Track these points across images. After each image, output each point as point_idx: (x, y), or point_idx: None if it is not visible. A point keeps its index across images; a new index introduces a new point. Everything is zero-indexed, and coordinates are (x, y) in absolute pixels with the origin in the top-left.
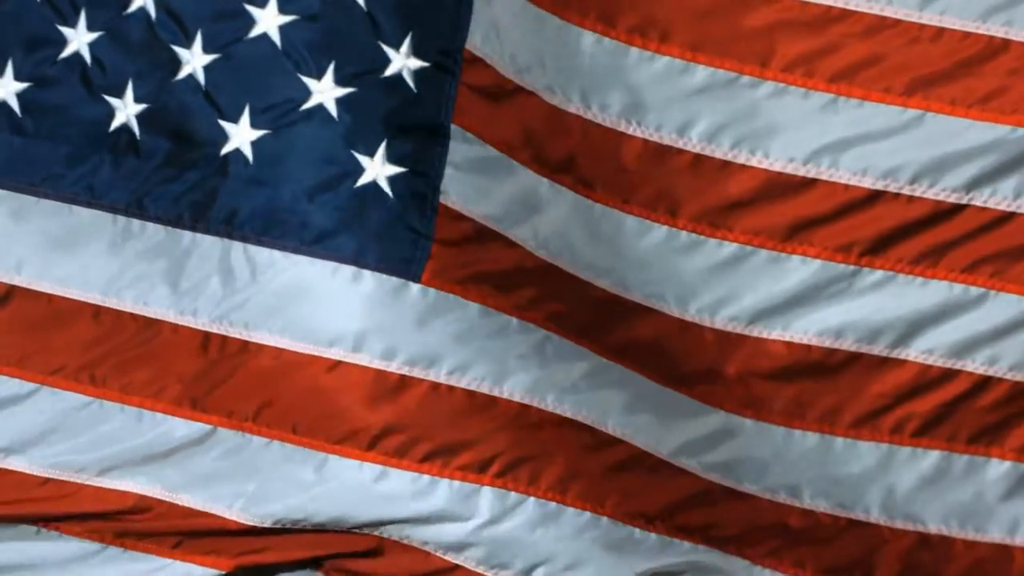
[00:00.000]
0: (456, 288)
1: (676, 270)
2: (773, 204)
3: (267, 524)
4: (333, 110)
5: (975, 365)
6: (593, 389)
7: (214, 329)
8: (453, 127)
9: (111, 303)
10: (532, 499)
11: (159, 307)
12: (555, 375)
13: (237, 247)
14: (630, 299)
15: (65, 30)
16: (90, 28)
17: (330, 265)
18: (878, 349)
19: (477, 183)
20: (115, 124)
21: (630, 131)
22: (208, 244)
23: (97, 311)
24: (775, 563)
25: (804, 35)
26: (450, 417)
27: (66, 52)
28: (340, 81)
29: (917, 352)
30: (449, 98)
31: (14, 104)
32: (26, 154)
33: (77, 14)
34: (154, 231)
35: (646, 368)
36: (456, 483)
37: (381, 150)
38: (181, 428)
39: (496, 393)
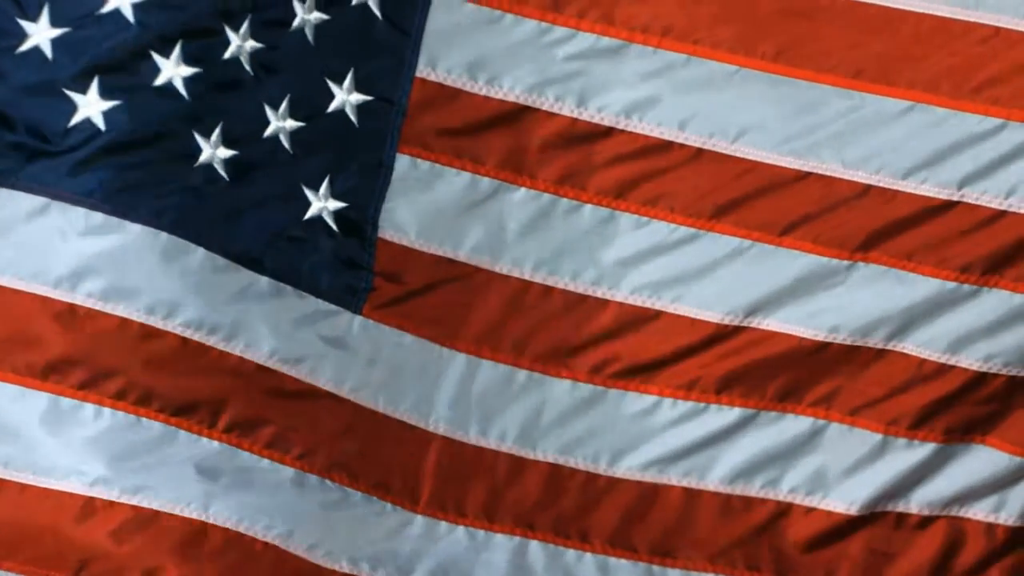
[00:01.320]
0: (393, 320)
1: (673, 265)
2: (769, 198)
3: None
4: (286, 143)
5: (970, 361)
6: (531, 415)
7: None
8: (399, 156)
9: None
10: (461, 528)
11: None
12: (483, 404)
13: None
14: (614, 300)
15: (25, 24)
16: (53, 24)
17: (290, 290)
18: (873, 342)
19: (422, 207)
20: (76, 119)
21: (629, 128)
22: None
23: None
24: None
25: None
26: (383, 445)
27: (25, 46)
28: (293, 114)
29: (913, 346)
30: (394, 129)
31: None
32: None
33: (40, 8)
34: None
35: (617, 376)
36: (397, 508)
37: (325, 185)
38: None
39: (423, 425)
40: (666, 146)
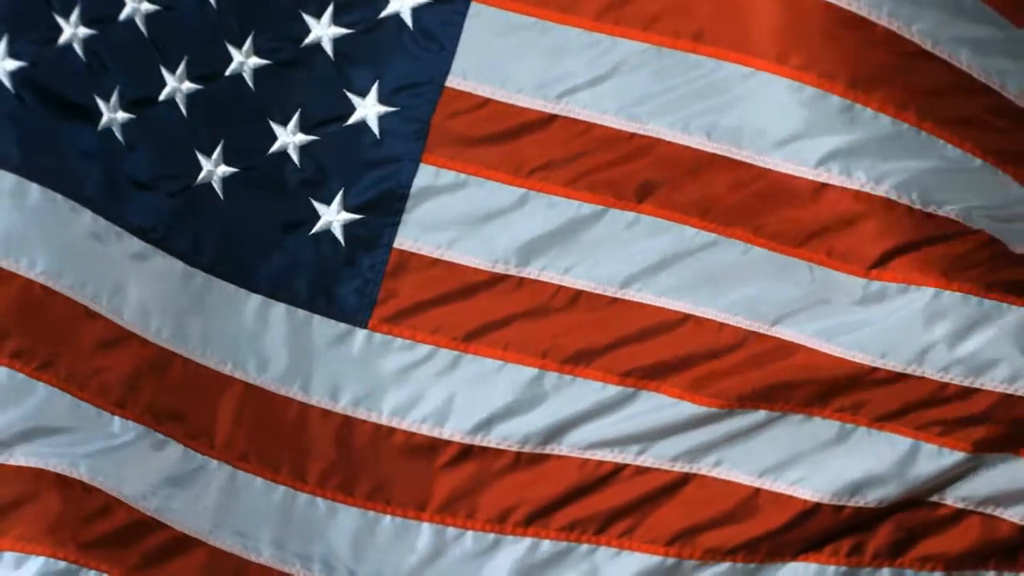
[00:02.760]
0: (405, 331)
1: (697, 271)
2: (784, 210)
3: None
4: (295, 157)
5: (995, 384)
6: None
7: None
8: (422, 167)
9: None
10: (470, 533)
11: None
12: (509, 406)
13: (199, 275)
14: (641, 303)
15: (59, 20)
16: (84, 23)
17: (283, 308)
18: (892, 364)
19: (443, 217)
20: (101, 125)
21: (642, 131)
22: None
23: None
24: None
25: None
26: (387, 458)
27: (61, 40)
28: (304, 129)
29: (933, 370)
30: (419, 139)
31: (7, 82)
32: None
33: (72, 5)
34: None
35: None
36: (398, 519)
37: (338, 198)
38: None
39: (436, 434)
40: (681, 151)
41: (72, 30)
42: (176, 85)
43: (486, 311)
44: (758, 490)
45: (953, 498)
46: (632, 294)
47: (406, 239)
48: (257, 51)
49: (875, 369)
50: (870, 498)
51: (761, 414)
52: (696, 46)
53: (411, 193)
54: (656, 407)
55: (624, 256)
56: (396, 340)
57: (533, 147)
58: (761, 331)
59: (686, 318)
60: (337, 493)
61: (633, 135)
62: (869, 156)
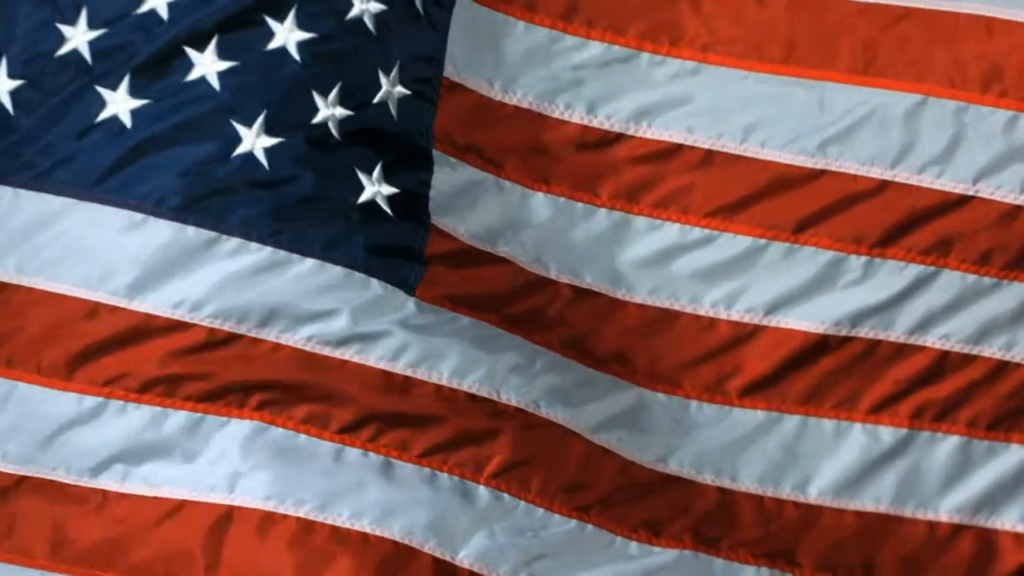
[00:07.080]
0: (448, 304)
1: (688, 267)
2: (783, 197)
3: None
4: (335, 130)
5: (992, 351)
6: (585, 402)
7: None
8: (435, 153)
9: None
10: (522, 503)
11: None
12: (545, 383)
13: (253, 246)
14: (633, 301)
15: (64, 28)
16: (91, 26)
17: (341, 271)
18: (895, 336)
19: (461, 205)
20: (104, 115)
21: (639, 134)
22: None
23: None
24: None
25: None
26: (455, 417)
27: (63, 49)
28: (342, 103)
29: (935, 339)
30: (428, 125)
31: (7, 101)
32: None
33: (78, 11)
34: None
35: (654, 378)
36: (455, 478)
37: (377, 171)
38: None
39: (495, 398)
40: (676, 149)
41: (79, 36)
42: (209, 66)
43: (512, 298)
44: (761, 497)
45: (948, 511)
46: (623, 293)
47: (437, 217)
48: (301, 25)
49: (877, 342)
50: (868, 498)
51: (759, 415)
52: (668, 48)
53: (432, 174)
54: (655, 406)
55: (617, 255)
56: (442, 310)
57: (521, 144)
58: (755, 321)
59: (678, 315)
60: (392, 450)
61: (620, 135)
62: None
